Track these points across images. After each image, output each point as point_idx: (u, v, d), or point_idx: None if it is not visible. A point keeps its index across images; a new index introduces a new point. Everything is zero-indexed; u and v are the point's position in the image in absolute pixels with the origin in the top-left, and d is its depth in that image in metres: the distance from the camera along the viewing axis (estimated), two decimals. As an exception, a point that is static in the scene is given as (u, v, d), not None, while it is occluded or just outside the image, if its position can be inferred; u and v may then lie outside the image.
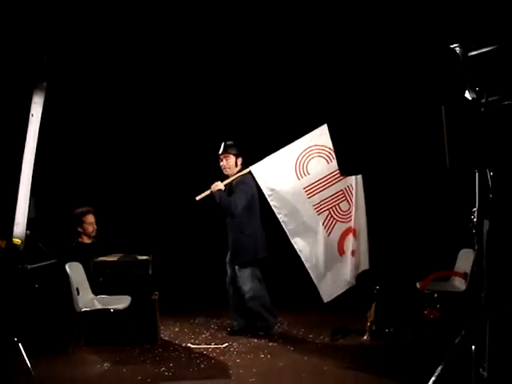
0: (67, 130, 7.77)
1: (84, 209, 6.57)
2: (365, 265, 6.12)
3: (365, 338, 6.12)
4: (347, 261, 6.06)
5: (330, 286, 6.04)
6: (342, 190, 6.05)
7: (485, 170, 3.46)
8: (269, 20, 7.34)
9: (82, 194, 7.76)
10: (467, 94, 3.55)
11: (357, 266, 6.06)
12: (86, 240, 6.56)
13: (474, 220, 3.47)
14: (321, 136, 6.04)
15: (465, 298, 5.99)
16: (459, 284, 6.27)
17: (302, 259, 5.99)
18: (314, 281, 5.99)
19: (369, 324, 6.15)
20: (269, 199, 6.02)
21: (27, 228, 5.33)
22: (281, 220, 6.00)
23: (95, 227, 6.58)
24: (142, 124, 8.22)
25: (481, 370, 3.53)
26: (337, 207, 6.04)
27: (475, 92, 3.51)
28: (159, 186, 8.22)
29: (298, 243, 6.01)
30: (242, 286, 6.24)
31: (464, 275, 6.20)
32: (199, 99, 8.12)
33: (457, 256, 6.50)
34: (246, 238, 6.20)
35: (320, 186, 6.01)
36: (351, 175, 5.95)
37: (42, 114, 5.39)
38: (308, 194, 6.01)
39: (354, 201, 6.05)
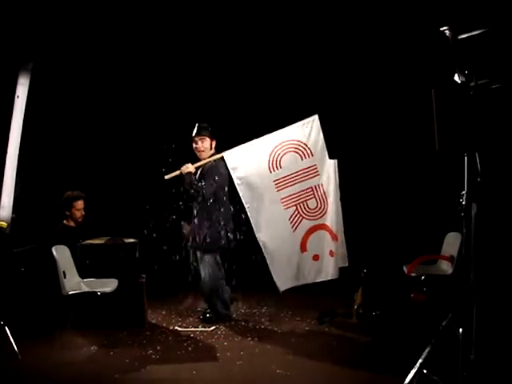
0: (53, 112, 7.70)
1: (76, 193, 6.55)
2: (344, 261, 6.04)
3: (352, 320, 6.16)
4: (308, 260, 5.99)
5: (286, 276, 5.95)
6: (310, 188, 5.96)
7: (474, 153, 3.46)
8: (253, 8, 7.26)
9: (68, 178, 7.72)
10: (456, 78, 3.54)
11: (336, 264, 6.01)
12: (72, 223, 6.53)
13: (463, 203, 3.48)
14: (298, 131, 5.97)
15: (451, 282, 6.03)
16: (446, 267, 6.31)
17: (263, 250, 5.89)
18: (272, 272, 5.90)
19: (356, 307, 6.18)
20: (238, 188, 5.90)
21: (13, 211, 5.29)
22: (247, 210, 5.90)
23: (83, 213, 6.57)
24: (128, 107, 8.16)
25: (467, 352, 3.55)
26: (304, 204, 5.96)
27: (464, 75, 3.49)
28: (146, 169, 8.17)
29: (262, 235, 5.90)
30: (201, 270, 6.15)
31: (450, 259, 6.23)
32: (180, 83, 8.05)
33: (443, 239, 6.53)
34: (215, 224, 6.09)
35: (290, 180, 5.93)
36: (338, 158, 5.95)
37: (28, 96, 5.33)
38: (277, 187, 5.92)
39: (329, 199, 5.98)
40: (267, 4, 7.15)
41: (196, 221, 6.17)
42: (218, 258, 6.17)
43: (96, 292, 5.76)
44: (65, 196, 6.53)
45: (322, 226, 6.00)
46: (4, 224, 5.21)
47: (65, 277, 5.76)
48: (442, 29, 3.55)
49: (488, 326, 3.65)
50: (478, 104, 3.43)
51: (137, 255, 6.29)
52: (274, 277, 5.92)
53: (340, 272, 6.00)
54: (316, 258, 6.00)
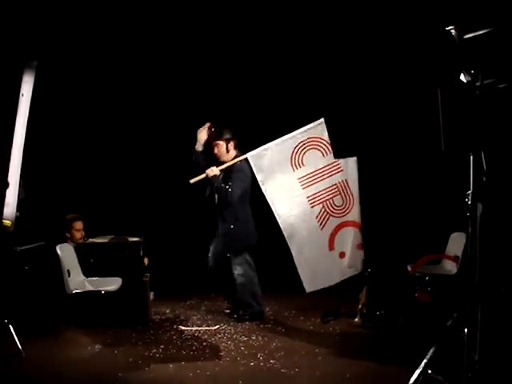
0: (58, 110, 7.70)
1: (74, 215, 6.60)
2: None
3: (356, 320, 6.15)
4: (336, 258, 6.04)
5: (314, 278, 6.00)
6: (336, 185, 6.02)
7: (479, 152, 3.45)
8: (264, 11, 7.25)
9: (73, 175, 7.74)
10: (462, 77, 3.53)
11: (361, 257, 6.09)
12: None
13: (469, 203, 3.46)
14: (318, 128, 6.01)
15: (456, 281, 6.01)
16: (450, 267, 6.29)
17: (291, 248, 5.93)
18: (298, 270, 5.94)
19: (360, 306, 6.17)
20: (262, 188, 5.96)
21: (17, 209, 5.29)
22: (273, 209, 5.94)
23: (83, 234, 6.56)
24: (137, 105, 8.16)
25: (472, 352, 3.54)
26: (331, 201, 6.00)
27: (470, 75, 3.48)
28: (151, 167, 8.19)
29: (289, 233, 5.95)
30: (234, 272, 6.20)
31: (455, 258, 6.22)
32: (195, 85, 8.05)
33: (448, 239, 6.51)
34: (239, 225, 6.15)
35: (314, 178, 5.97)
36: (344, 158, 5.94)
37: (32, 94, 5.33)
38: (302, 185, 5.97)
39: (354, 195, 6.05)
40: (278, 9, 7.16)
41: (223, 223, 6.19)
42: (248, 256, 6.20)
43: (100, 291, 5.77)
44: (63, 220, 6.58)
45: (348, 223, 6.07)
46: (8, 222, 5.22)
47: (69, 275, 5.77)
48: (447, 28, 3.53)
49: (493, 326, 3.63)
50: (484, 104, 3.41)
51: (141, 254, 6.29)
52: (301, 277, 5.95)
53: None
54: (342, 255, 6.05)
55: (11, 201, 5.23)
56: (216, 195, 6.14)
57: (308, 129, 6.02)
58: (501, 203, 3.67)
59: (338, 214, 6.02)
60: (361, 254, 6.10)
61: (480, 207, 3.49)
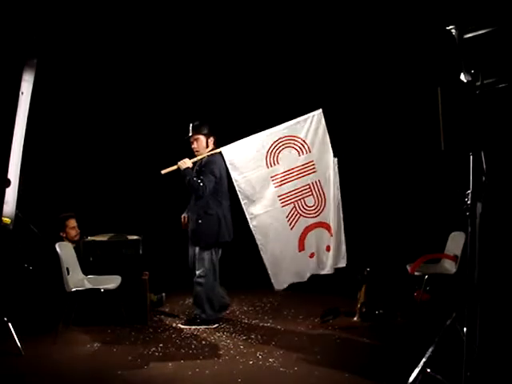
0: (57, 108, 7.70)
1: (65, 214, 6.54)
2: (342, 261, 5.93)
3: (355, 319, 6.16)
4: (305, 258, 5.91)
5: (284, 275, 5.86)
6: (308, 185, 5.88)
7: (479, 152, 3.45)
8: (255, 2, 7.25)
9: (72, 174, 7.73)
10: (462, 77, 3.53)
11: (332, 259, 5.94)
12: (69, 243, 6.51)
13: (468, 202, 3.47)
14: (296, 127, 5.88)
15: (455, 281, 6.02)
16: (449, 266, 6.29)
17: (259, 247, 5.79)
18: (268, 270, 5.79)
19: (359, 306, 6.18)
20: (235, 183, 5.80)
21: (16, 208, 5.29)
22: (244, 206, 5.80)
23: (78, 231, 6.51)
24: (129, 104, 8.16)
25: (471, 352, 3.54)
26: (302, 201, 5.89)
27: (470, 74, 3.48)
28: (150, 166, 8.17)
29: (258, 231, 5.81)
30: (195, 268, 6.05)
31: (454, 258, 6.22)
32: (181, 78, 8.05)
33: (447, 239, 6.52)
34: (208, 220, 5.98)
35: (287, 177, 5.85)
36: (342, 157, 5.93)
37: (32, 92, 5.33)
38: (275, 183, 5.83)
39: (326, 196, 5.91)
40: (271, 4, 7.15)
41: (194, 215, 6.07)
42: (215, 255, 6.06)
43: (99, 289, 5.77)
44: (57, 219, 6.52)
45: (320, 224, 5.94)
46: (8, 220, 5.21)
47: (68, 273, 5.76)
48: (448, 28, 3.54)
49: (492, 325, 3.64)
50: (484, 103, 3.42)
51: (140, 252, 6.29)
52: (270, 275, 5.82)
53: (343, 270, 5.97)
54: (312, 255, 5.94)
55: (11, 199, 5.22)
56: (188, 188, 5.98)
57: (286, 127, 5.87)
58: (500, 203, 3.68)
59: (309, 214, 5.91)
60: (329, 255, 5.91)
61: (479, 207, 3.50)
